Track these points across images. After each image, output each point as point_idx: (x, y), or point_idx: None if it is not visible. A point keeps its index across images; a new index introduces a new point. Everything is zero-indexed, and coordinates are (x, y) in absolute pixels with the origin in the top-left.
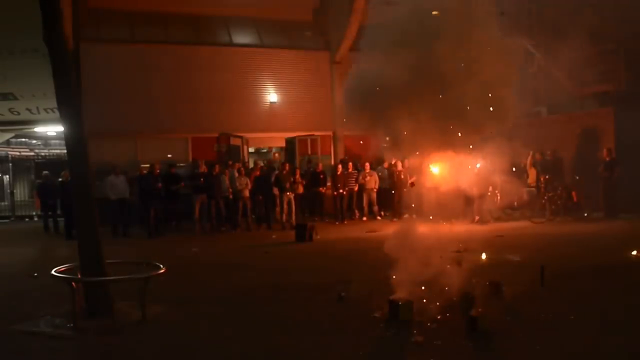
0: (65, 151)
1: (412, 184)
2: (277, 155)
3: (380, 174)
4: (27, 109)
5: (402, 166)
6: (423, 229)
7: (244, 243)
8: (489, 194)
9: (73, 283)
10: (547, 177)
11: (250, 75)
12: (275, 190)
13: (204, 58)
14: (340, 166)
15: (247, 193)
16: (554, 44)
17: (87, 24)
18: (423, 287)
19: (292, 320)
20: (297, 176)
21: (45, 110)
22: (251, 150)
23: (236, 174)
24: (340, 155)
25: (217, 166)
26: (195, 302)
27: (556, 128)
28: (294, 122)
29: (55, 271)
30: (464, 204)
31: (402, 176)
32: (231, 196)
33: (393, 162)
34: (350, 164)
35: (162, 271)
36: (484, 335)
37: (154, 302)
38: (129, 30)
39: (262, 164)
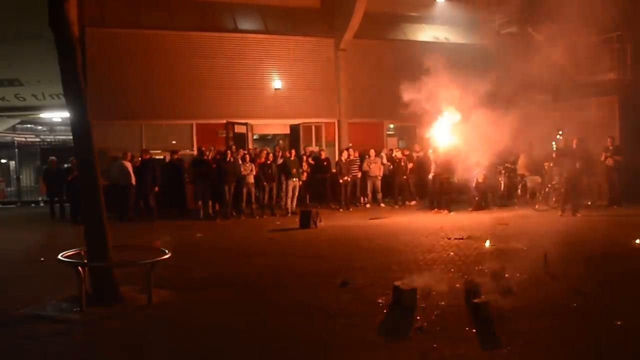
0: (70, 137)
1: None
2: (281, 142)
3: (384, 161)
4: (33, 95)
5: (402, 154)
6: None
7: (248, 229)
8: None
9: (79, 268)
10: (551, 165)
11: (255, 61)
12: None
13: (209, 44)
14: (344, 153)
15: (251, 179)
16: (560, 32)
17: (92, 9)
18: (427, 274)
19: (296, 305)
20: (304, 163)
21: (50, 96)
22: (255, 137)
23: (240, 161)
24: (345, 143)
25: (229, 153)
26: (200, 287)
27: (560, 116)
28: (299, 109)
29: (61, 256)
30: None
31: (402, 163)
32: (234, 183)
33: (394, 150)
34: (351, 150)
35: (167, 256)
36: (487, 322)
37: (160, 286)
38: (134, 16)
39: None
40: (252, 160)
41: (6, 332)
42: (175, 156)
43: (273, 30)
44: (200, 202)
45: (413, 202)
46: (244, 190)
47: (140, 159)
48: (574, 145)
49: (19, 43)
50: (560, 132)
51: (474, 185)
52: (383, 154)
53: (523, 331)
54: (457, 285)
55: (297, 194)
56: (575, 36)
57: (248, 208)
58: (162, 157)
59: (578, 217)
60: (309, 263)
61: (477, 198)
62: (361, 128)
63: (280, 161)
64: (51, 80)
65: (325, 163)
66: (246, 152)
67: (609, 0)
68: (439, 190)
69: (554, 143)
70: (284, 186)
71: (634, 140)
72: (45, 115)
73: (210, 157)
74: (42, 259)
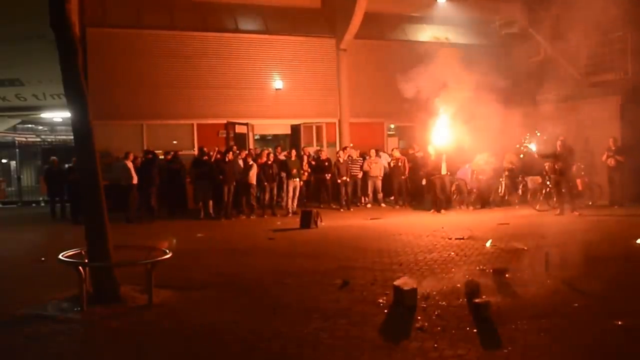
0: (71, 137)
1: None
2: (282, 143)
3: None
4: (34, 95)
5: (401, 154)
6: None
7: (249, 229)
8: None
9: (80, 267)
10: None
11: (256, 61)
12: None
13: (210, 44)
14: (340, 153)
15: (252, 179)
16: (561, 32)
17: (93, 9)
18: (428, 274)
19: (297, 305)
20: (305, 164)
21: (51, 96)
22: (256, 137)
23: (241, 161)
24: (345, 143)
25: (230, 153)
26: (200, 287)
27: (561, 116)
28: (300, 109)
29: (62, 256)
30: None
31: (400, 164)
32: (234, 183)
33: (391, 150)
34: (352, 150)
35: (168, 256)
36: (488, 322)
37: (160, 286)
38: (135, 16)
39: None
40: (254, 160)
41: (6, 332)
42: (169, 157)
43: (274, 30)
44: (200, 202)
45: (412, 202)
46: (245, 190)
47: (141, 158)
48: (558, 147)
49: (20, 43)
50: (538, 134)
51: (471, 179)
52: (385, 154)
53: (524, 331)
54: (458, 285)
55: (297, 194)
56: (577, 36)
57: (249, 208)
58: (162, 157)
59: (577, 216)
60: (309, 263)
61: (474, 190)
62: (362, 128)
63: (282, 158)
64: (52, 80)
65: (326, 163)
66: (247, 152)
67: (610, 0)
68: (433, 190)
69: (534, 144)
70: (284, 186)
71: (635, 140)
72: (46, 115)
73: (213, 158)
74: (42, 258)
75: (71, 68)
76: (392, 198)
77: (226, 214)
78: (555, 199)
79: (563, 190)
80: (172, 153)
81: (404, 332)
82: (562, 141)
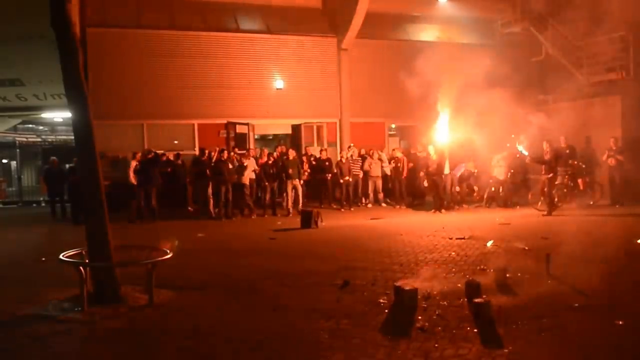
0: (72, 137)
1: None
2: (282, 142)
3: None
4: (34, 95)
5: (402, 153)
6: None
7: (249, 229)
8: None
9: (81, 268)
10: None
11: (257, 61)
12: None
13: (211, 44)
14: (342, 153)
15: (245, 180)
16: (562, 32)
17: (94, 9)
18: (428, 274)
19: (297, 305)
20: (305, 164)
21: (52, 96)
22: (256, 137)
23: (243, 161)
24: (346, 143)
25: (225, 152)
26: (201, 287)
27: (562, 116)
28: (300, 109)
29: (63, 256)
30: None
31: (399, 164)
32: (232, 183)
33: (392, 150)
34: (355, 149)
35: (168, 256)
36: (488, 322)
37: (161, 286)
38: (136, 16)
39: (272, 152)
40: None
41: (7, 332)
42: (164, 157)
43: (275, 29)
44: (199, 201)
45: (413, 202)
46: (245, 190)
47: (140, 159)
48: (545, 147)
49: (20, 43)
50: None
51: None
52: (384, 155)
53: (524, 331)
54: (459, 285)
55: (299, 194)
56: (578, 36)
57: (246, 208)
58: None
59: (578, 216)
60: (310, 263)
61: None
62: (363, 128)
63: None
64: (52, 80)
65: (326, 163)
66: (246, 151)
67: (611, 1)
68: (436, 190)
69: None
70: (284, 186)
71: (636, 140)
72: (46, 115)
73: (214, 158)
74: (43, 258)
75: (72, 68)
76: (388, 200)
77: (227, 213)
78: (557, 199)
79: (553, 191)
80: (166, 155)
81: (405, 332)
82: (550, 143)
